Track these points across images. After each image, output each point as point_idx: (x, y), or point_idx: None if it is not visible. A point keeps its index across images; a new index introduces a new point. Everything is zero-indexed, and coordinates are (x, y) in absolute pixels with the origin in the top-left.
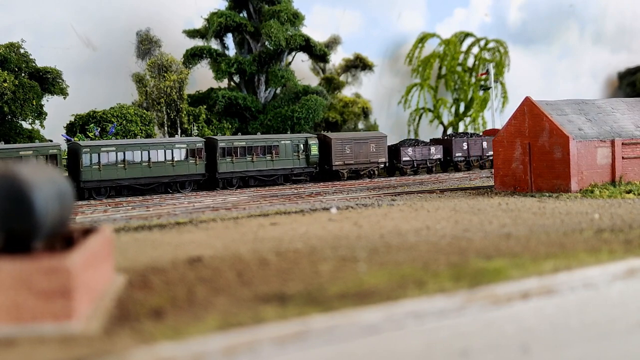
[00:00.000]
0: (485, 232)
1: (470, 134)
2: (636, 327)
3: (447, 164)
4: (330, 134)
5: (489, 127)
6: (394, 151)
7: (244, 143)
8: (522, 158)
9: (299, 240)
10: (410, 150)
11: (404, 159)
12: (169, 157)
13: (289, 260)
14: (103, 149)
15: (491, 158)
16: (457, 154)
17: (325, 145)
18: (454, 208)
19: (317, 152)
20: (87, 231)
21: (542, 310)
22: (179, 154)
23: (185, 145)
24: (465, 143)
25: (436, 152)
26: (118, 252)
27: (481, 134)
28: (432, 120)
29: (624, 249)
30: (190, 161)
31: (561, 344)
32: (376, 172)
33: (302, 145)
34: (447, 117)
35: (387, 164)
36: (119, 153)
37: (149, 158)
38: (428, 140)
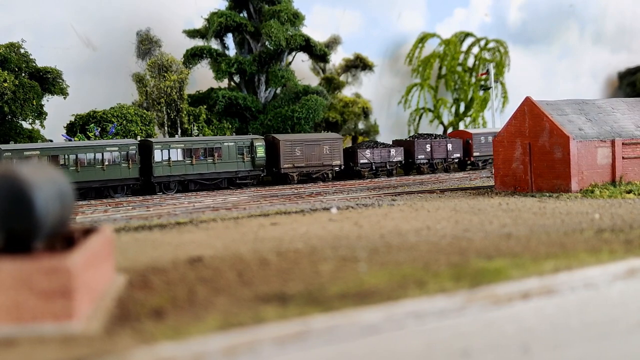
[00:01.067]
0: (485, 232)
1: (435, 135)
2: (637, 327)
3: (410, 167)
4: (278, 136)
5: (489, 127)
6: (351, 153)
7: (183, 145)
8: (522, 158)
9: (299, 240)
10: (367, 152)
11: (361, 161)
12: (99, 161)
13: (289, 260)
14: (26, 152)
15: (456, 160)
16: (419, 156)
17: (273, 147)
18: (454, 208)
19: (263, 155)
20: (88, 231)
21: (542, 310)
22: (110, 157)
23: (117, 148)
24: (429, 145)
25: (397, 155)
26: (118, 252)
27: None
28: (432, 120)
29: (624, 249)
30: (123, 165)
31: (561, 344)
32: (330, 176)
33: (247, 147)
34: (447, 117)
35: (342, 167)
36: (43, 157)
37: (77, 162)
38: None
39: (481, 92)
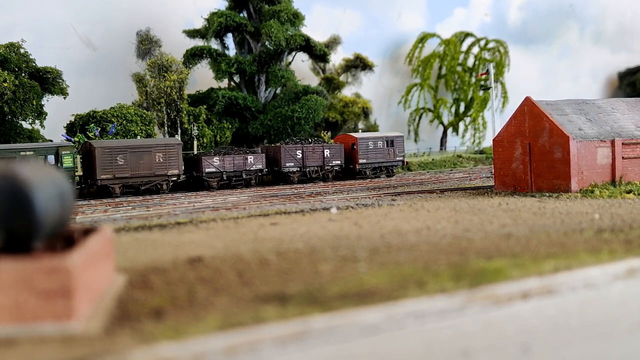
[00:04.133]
0: (485, 232)
1: (310, 140)
2: (637, 327)
3: (279, 176)
4: (95, 142)
5: (489, 127)
6: (194, 161)
7: None
8: (522, 158)
9: (299, 240)
10: (215, 159)
11: (208, 170)
12: None
13: (289, 260)
14: None
15: (336, 168)
16: (287, 164)
17: (89, 156)
18: (454, 208)
19: (72, 165)
20: (88, 231)
21: (542, 310)
22: None
23: None
24: (300, 151)
25: (256, 162)
26: (118, 252)
27: (330, 140)
28: (432, 120)
29: (624, 249)
30: None
31: (562, 344)
32: (166, 187)
33: (51, 157)
34: (447, 117)
35: (181, 177)
36: None
37: None
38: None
39: (481, 92)
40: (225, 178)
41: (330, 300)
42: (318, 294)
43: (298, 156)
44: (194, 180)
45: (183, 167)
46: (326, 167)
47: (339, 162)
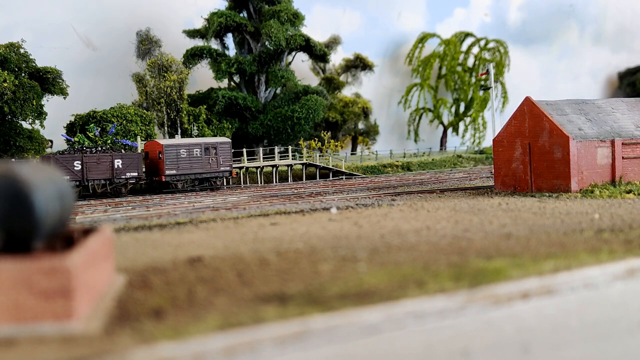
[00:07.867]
0: (485, 232)
1: (96, 148)
2: (636, 327)
3: None
4: None
5: (489, 127)
6: None
7: None
8: (522, 158)
9: (299, 240)
10: None
11: None
12: None
13: (289, 260)
14: None
15: (132, 181)
16: None
17: None
18: (454, 208)
19: None
20: (87, 231)
21: (542, 310)
22: None
23: None
24: (79, 162)
25: None
26: (118, 252)
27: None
28: (432, 120)
29: (624, 249)
30: None
31: (561, 344)
32: None
33: None
34: (447, 117)
35: None
36: None
37: None
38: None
39: (481, 92)
40: None
41: (330, 300)
42: (318, 294)
43: (76, 168)
44: None
45: None
46: (117, 181)
47: (135, 173)
